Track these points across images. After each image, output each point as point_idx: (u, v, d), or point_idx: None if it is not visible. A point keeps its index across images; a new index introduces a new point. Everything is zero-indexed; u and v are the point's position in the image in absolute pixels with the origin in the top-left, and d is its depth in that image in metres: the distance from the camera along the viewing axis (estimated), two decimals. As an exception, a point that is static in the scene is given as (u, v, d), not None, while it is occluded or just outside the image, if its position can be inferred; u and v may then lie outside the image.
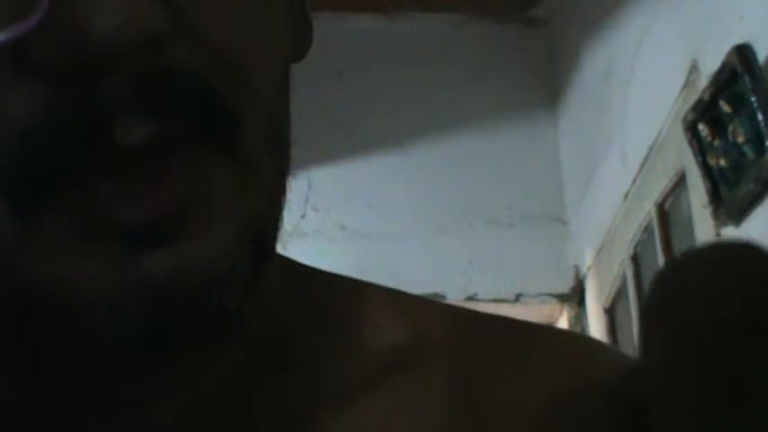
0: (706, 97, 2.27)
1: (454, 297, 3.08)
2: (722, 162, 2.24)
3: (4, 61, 0.40)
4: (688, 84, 2.44)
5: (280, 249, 0.55)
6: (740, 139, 2.16)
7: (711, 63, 2.27)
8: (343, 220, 3.25)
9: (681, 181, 2.54)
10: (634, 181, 2.78)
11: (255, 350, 0.48)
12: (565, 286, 3.24)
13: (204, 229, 0.41)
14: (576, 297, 3.23)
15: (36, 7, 0.39)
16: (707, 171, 2.29)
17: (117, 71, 0.39)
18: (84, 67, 0.39)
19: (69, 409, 0.45)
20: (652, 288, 0.35)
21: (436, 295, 3.02)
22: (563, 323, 3.21)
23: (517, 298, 3.23)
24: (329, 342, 0.51)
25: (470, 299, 3.12)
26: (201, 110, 0.41)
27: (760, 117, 2.08)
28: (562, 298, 3.24)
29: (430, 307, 0.55)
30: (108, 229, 0.40)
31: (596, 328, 3.09)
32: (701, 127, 2.30)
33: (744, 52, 2.13)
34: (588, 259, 3.15)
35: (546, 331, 0.55)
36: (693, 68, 2.41)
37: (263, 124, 0.44)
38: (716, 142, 2.26)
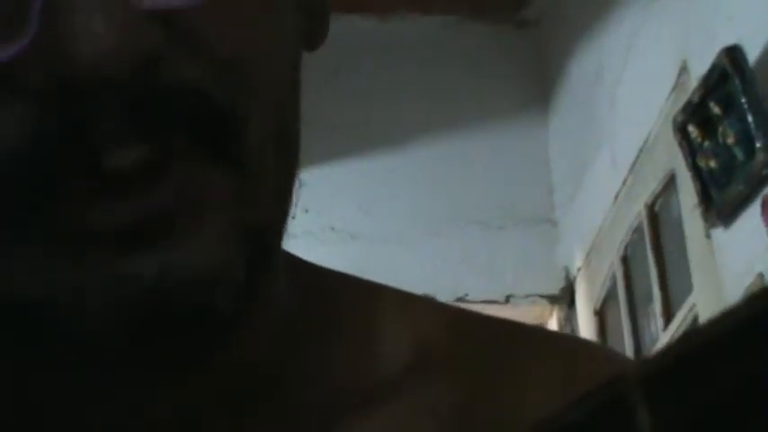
0: (696, 99, 2.27)
1: (444, 298, 3.08)
2: (712, 163, 2.24)
3: None
4: (678, 85, 2.44)
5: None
6: (730, 141, 2.16)
7: (701, 64, 2.27)
8: (333, 221, 3.25)
9: (671, 182, 2.55)
10: (624, 182, 2.78)
11: (263, 351, 0.48)
12: (555, 287, 3.24)
13: (193, 230, 0.40)
14: (566, 298, 3.23)
15: (23, 31, 0.38)
16: (697, 172, 2.29)
17: (105, 95, 0.39)
18: (70, 92, 0.38)
19: (60, 412, 0.45)
20: None
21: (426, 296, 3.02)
22: (553, 324, 3.21)
23: (507, 299, 3.23)
24: (340, 345, 0.50)
25: (460, 300, 3.12)
26: (199, 124, 0.41)
27: (750, 118, 2.08)
28: (552, 299, 3.24)
29: (444, 310, 0.54)
30: (93, 234, 0.40)
31: (586, 329, 3.09)
32: (690, 128, 2.31)
33: (733, 53, 2.13)
34: (578, 260, 3.15)
35: (555, 337, 0.55)
36: (683, 70, 2.41)
37: (268, 129, 0.43)
38: (706, 144, 2.26)
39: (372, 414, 0.48)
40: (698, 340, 0.25)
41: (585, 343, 0.60)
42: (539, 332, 0.56)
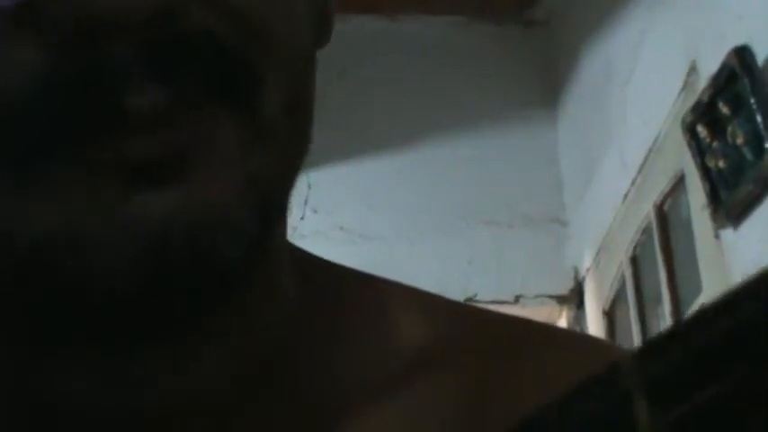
0: (705, 99, 2.27)
1: (453, 298, 3.07)
2: (721, 164, 2.24)
3: (14, 21, 0.40)
4: (687, 85, 2.44)
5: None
6: (739, 141, 2.16)
7: (710, 64, 2.27)
8: (342, 221, 3.25)
9: (680, 182, 2.55)
10: (633, 182, 2.78)
11: (265, 340, 0.48)
12: (564, 288, 3.24)
13: (206, 174, 0.41)
14: (575, 299, 3.23)
15: None
16: (706, 173, 2.29)
17: (128, 37, 0.39)
18: (93, 32, 0.39)
19: (69, 379, 0.45)
20: None
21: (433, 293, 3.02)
22: (562, 325, 3.21)
23: (516, 299, 3.23)
24: (345, 340, 0.50)
25: (470, 300, 3.12)
26: (216, 70, 0.41)
27: (759, 118, 2.08)
28: (561, 299, 3.24)
29: (451, 307, 0.54)
30: (105, 169, 0.40)
31: (595, 329, 3.09)
32: (699, 128, 2.30)
33: (743, 54, 2.13)
34: (587, 261, 3.15)
35: (566, 335, 0.55)
36: (692, 70, 2.41)
37: (282, 87, 0.43)
38: (715, 144, 2.26)
39: (378, 410, 0.48)
40: (692, 329, 0.26)
41: (597, 341, 0.60)
42: (548, 329, 0.56)
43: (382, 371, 0.49)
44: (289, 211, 0.48)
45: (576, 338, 0.56)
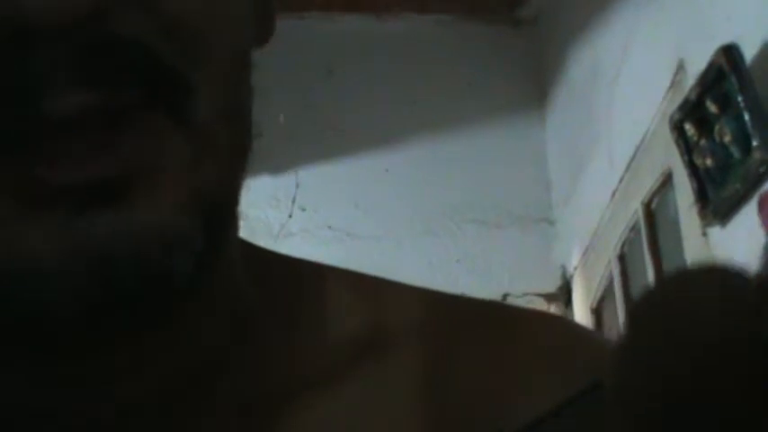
0: (693, 97, 2.27)
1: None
2: (709, 162, 2.24)
3: None
4: (675, 83, 2.44)
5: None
6: (727, 139, 2.16)
7: (698, 63, 2.27)
8: (330, 219, 3.25)
9: (667, 181, 2.55)
10: (621, 181, 2.78)
11: (217, 335, 0.48)
12: (552, 286, 3.24)
13: (149, 194, 0.40)
14: (562, 297, 3.23)
15: None
16: (693, 171, 2.29)
17: (56, 42, 0.38)
18: (19, 38, 0.38)
19: (22, 395, 0.44)
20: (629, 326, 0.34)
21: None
22: (550, 323, 3.21)
23: (504, 298, 3.23)
24: (295, 328, 0.50)
25: (458, 298, 3.12)
26: (150, 79, 0.40)
27: (746, 117, 2.08)
28: (549, 298, 3.25)
29: (399, 290, 0.54)
30: (48, 192, 0.39)
31: (583, 327, 3.09)
32: (687, 127, 2.31)
33: (731, 52, 2.13)
34: (575, 259, 3.15)
35: (522, 315, 0.55)
36: (680, 68, 2.41)
37: (218, 95, 0.43)
38: (702, 142, 2.26)
39: (327, 397, 0.48)
40: None
41: (552, 318, 0.59)
42: (501, 308, 0.56)
43: (327, 359, 0.49)
44: (239, 214, 0.48)
45: (529, 316, 0.56)
